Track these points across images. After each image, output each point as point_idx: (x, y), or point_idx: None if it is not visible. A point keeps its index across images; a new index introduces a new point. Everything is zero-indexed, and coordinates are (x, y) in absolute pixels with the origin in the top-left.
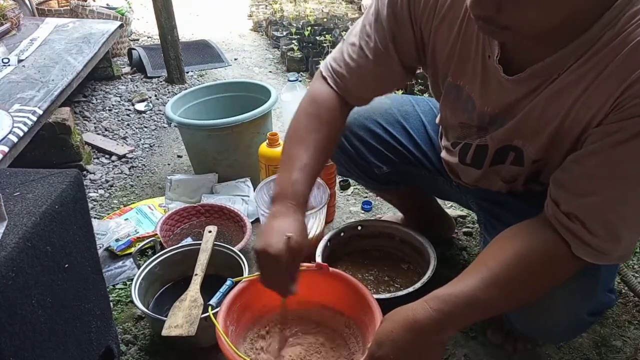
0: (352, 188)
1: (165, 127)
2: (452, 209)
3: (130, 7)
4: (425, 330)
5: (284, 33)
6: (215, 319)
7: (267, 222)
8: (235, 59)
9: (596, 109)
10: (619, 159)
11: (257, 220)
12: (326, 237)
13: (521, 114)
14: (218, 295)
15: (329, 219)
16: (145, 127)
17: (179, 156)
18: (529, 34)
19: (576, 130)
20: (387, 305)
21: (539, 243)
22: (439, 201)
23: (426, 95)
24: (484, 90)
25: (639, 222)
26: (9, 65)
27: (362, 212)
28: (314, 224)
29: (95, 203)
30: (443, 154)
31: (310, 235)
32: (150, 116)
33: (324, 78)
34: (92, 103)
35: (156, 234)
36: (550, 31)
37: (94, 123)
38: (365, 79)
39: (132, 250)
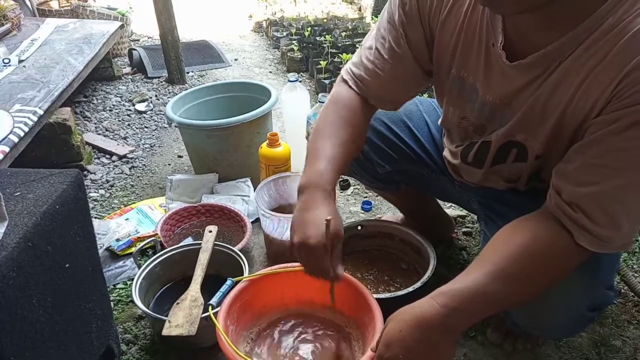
0: (352, 188)
1: (165, 127)
2: (452, 209)
3: (130, 8)
4: (434, 327)
5: (284, 33)
6: (216, 318)
7: (298, 214)
8: (236, 60)
9: (595, 98)
10: (619, 147)
11: (257, 220)
12: None
13: (525, 106)
14: (218, 295)
15: None
16: (146, 127)
17: (179, 156)
18: (525, 2)
19: (576, 121)
20: (387, 305)
21: (542, 234)
22: (439, 201)
23: (426, 95)
24: (487, 79)
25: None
26: (9, 65)
27: (362, 212)
28: None
29: (95, 203)
30: (446, 153)
31: None
32: (151, 116)
33: (345, 81)
34: (93, 103)
35: (156, 234)
36: (549, 14)
37: (95, 123)
38: (383, 79)
39: (133, 250)
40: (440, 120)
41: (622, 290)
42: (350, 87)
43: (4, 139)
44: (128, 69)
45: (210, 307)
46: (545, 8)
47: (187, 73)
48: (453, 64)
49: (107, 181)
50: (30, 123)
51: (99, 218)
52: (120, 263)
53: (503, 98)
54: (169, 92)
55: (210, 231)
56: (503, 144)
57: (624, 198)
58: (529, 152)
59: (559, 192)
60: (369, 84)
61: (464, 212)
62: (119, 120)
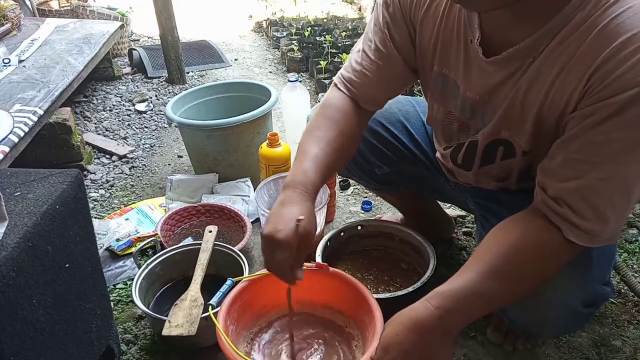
0: (352, 188)
1: (165, 127)
2: (452, 209)
3: (130, 8)
4: (430, 329)
5: (284, 33)
6: (216, 318)
7: (275, 208)
8: (236, 60)
9: (570, 93)
10: (597, 141)
11: (257, 220)
12: (326, 237)
13: (505, 102)
14: (218, 294)
15: (329, 219)
16: (146, 127)
17: (179, 156)
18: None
19: (554, 116)
20: (387, 305)
21: (531, 231)
22: (439, 202)
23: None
24: (467, 75)
25: (623, 202)
26: (9, 65)
27: (362, 212)
28: None
29: (95, 203)
30: (438, 155)
31: None
32: (151, 116)
33: (335, 85)
34: (93, 103)
35: (156, 234)
36: (522, 9)
37: (95, 123)
38: (372, 81)
39: (133, 250)
40: (426, 118)
41: (622, 290)
42: (339, 89)
43: (4, 139)
44: (128, 69)
45: (210, 307)
46: (518, 4)
47: (187, 73)
48: (435, 61)
49: (107, 181)
50: (30, 123)
51: (99, 218)
52: (120, 263)
53: (482, 94)
54: (169, 92)
55: (210, 231)
56: (489, 143)
57: (606, 191)
58: (516, 148)
59: (544, 189)
60: (358, 85)
61: (463, 212)
62: (119, 120)
